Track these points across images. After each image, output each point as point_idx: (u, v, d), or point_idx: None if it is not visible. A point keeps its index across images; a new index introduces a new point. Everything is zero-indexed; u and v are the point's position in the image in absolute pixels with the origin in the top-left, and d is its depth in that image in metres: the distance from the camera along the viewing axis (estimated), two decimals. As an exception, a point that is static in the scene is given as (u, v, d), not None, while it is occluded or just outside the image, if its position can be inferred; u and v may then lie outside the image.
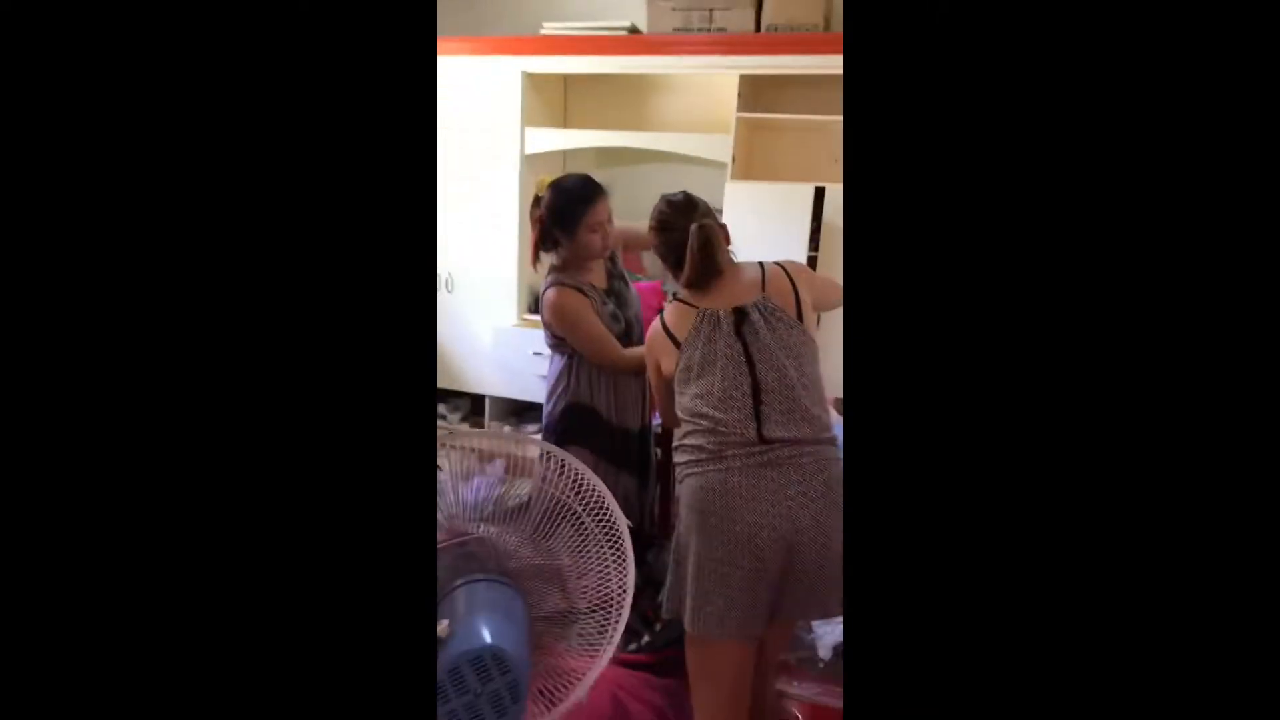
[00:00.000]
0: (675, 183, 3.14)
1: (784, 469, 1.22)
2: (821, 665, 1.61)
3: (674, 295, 1.49)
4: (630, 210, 3.72)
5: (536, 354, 3.19)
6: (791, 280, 1.38)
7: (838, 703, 1.59)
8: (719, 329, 1.32)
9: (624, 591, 0.94)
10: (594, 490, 0.99)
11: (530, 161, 3.17)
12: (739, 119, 2.82)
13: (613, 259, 2.05)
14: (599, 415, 1.99)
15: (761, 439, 1.23)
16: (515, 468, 3.40)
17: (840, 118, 2.89)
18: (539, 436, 3.46)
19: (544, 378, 3.36)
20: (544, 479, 0.91)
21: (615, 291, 2.00)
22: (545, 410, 2.14)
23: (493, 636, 0.74)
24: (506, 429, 3.43)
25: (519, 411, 3.56)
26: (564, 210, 1.85)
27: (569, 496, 0.95)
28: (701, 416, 1.27)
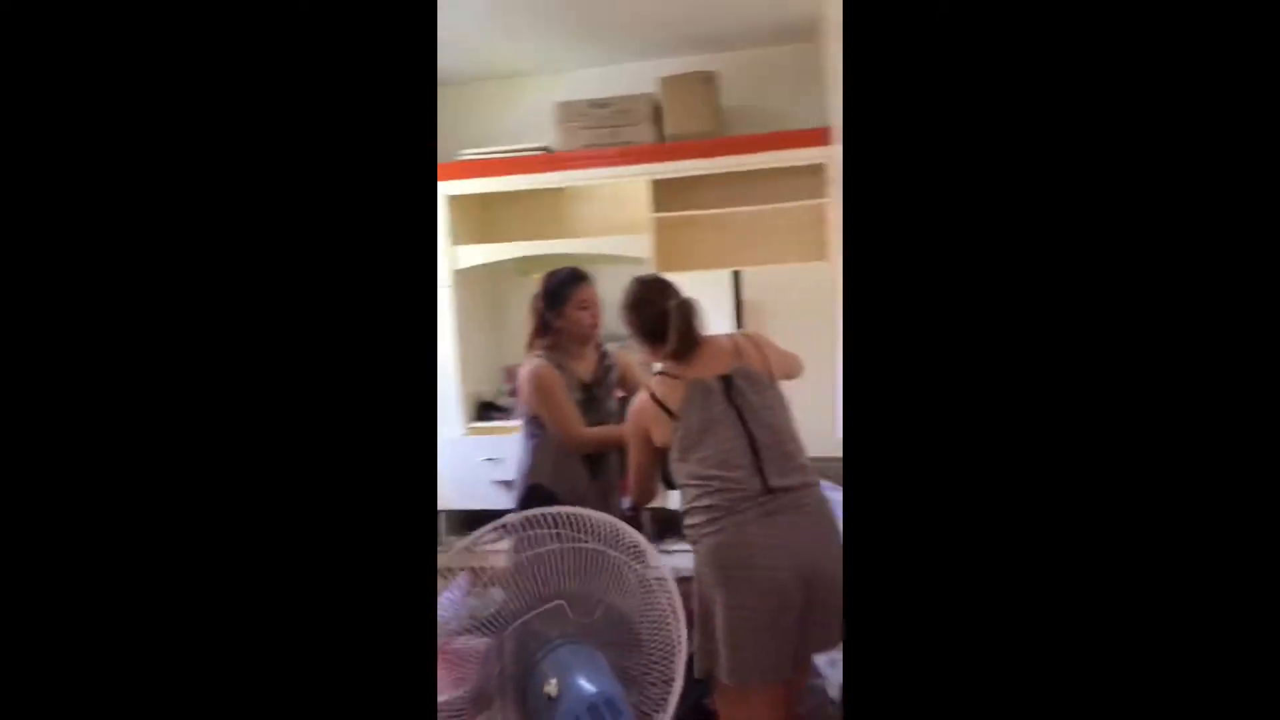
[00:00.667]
0: (600, 284, 3.38)
1: (791, 514, 1.38)
2: (833, 709, 1.71)
3: (655, 370, 1.60)
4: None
5: (489, 459, 3.24)
6: (759, 348, 1.58)
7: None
8: (712, 396, 1.47)
9: (681, 636, 1.03)
10: (629, 538, 1.08)
11: (460, 276, 3.31)
12: (654, 219, 3.10)
13: (608, 371, 2.12)
14: (556, 499, 2.07)
15: (768, 490, 1.39)
16: (480, 578, 3.35)
17: (745, 208, 3.24)
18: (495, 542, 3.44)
19: (497, 483, 3.38)
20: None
21: (593, 394, 2.10)
22: (514, 495, 2.19)
23: (600, 685, 0.83)
24: (463, 541, 3.39)
25: (473, 522, 3.54)
26: (555, 292, 2.02)
27: (606, 548, 1.04)
28: (710, 478, 1.40)
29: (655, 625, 1.04)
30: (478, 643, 2.28)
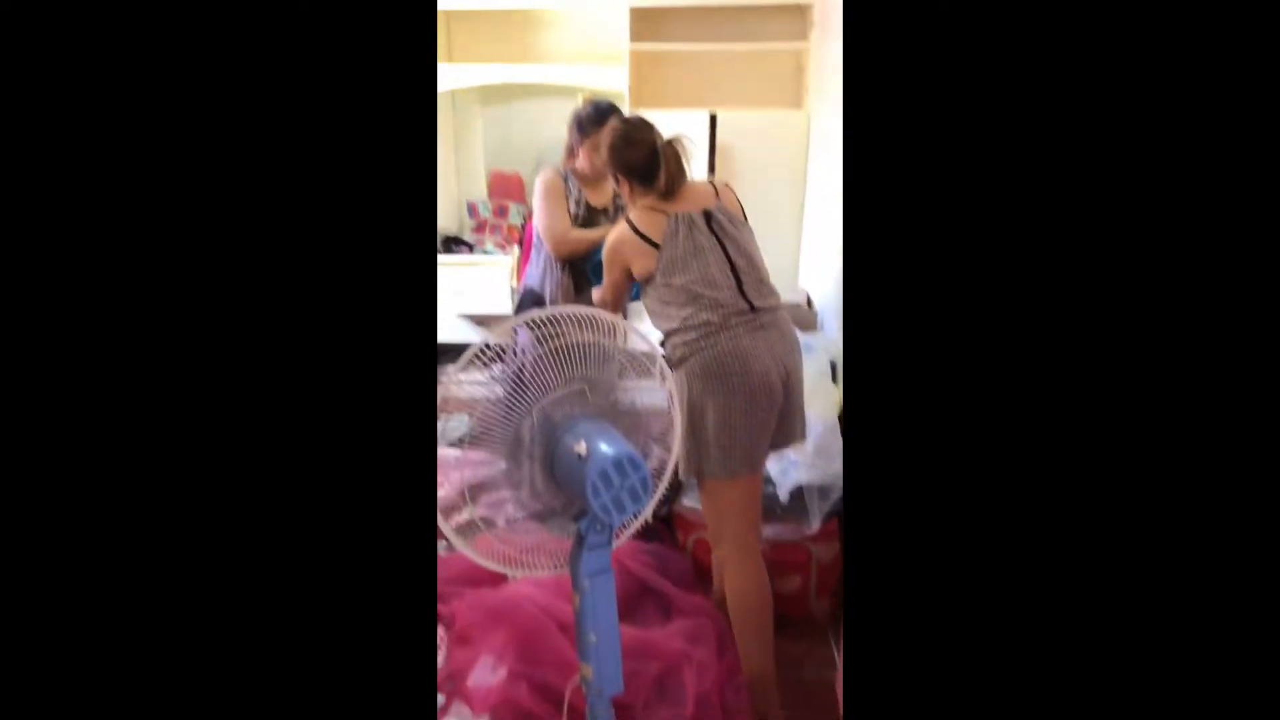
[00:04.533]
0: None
1: (770, 329, 1.57)
2: (781, 510, 1.93)
3: (638, 204, 1.63)
4: (525, 147, 3.76)
5: (457, 293, 3.26)
6: (733, 194, 1.66)
7: (797, 537, 1.93)
8: (695, 227, 1.57)
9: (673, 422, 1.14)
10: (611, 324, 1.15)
11: (423, 101, 3.16)
12: (632, 50, 2.98)
13: (619, 208, 2.13)
14: (544, 302, 2.17)
15: (752, 308, 1.52)
16: (445, 404, 3.46)
17: (728, 45, 3.13)
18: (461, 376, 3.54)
19: (461, 316, 3.42)
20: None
21: (593, 218, 2.13)
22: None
23: (623, 446, 0.94)
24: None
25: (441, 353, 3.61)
26: (581, 123, 2.05)
27: (603, 339, 1.12)
28: (700, 296, 1.53)
29: (656, 411, 1.15)
30: (450, 451, 2.42)
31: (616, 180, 1.68)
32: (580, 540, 1.01)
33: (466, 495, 1.11)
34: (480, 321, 3.05)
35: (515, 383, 1.00)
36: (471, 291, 3.27)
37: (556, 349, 1.04)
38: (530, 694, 1.34)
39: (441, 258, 3.39)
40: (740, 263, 1.57)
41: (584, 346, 1.06)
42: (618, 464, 0.92)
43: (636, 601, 1.81)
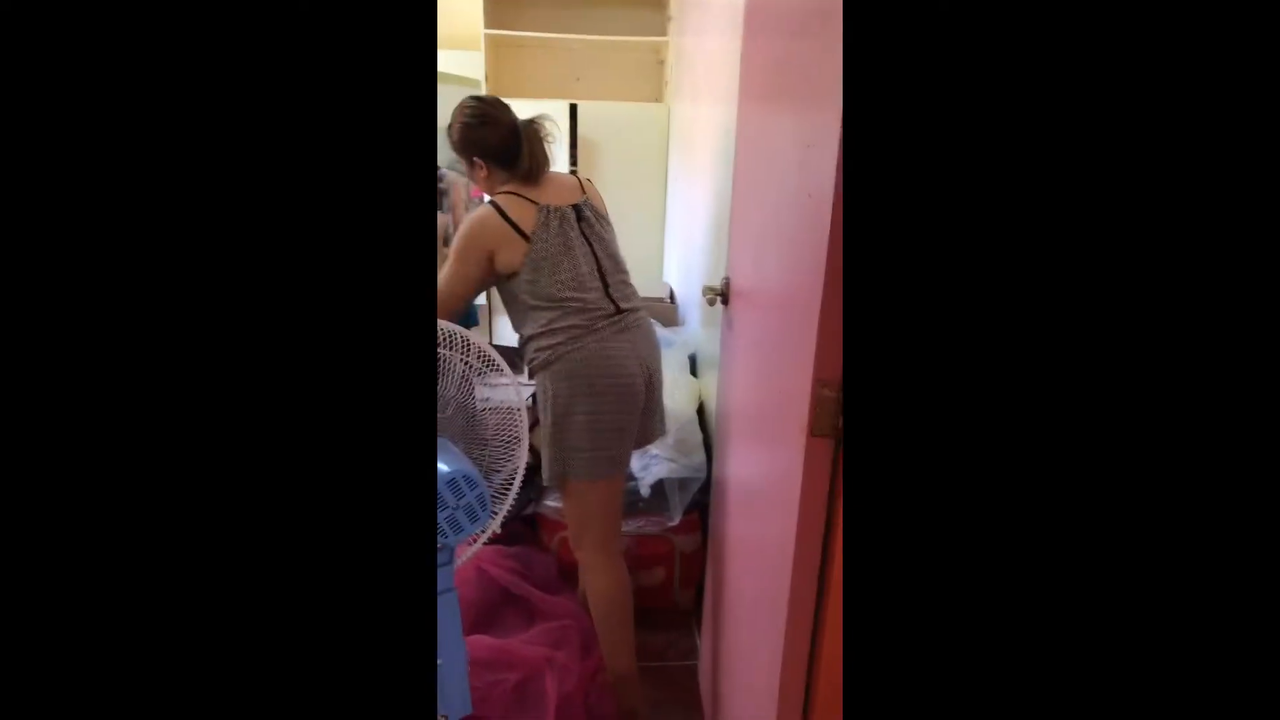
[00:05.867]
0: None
1: (634, 330, 1.55)
2: (643, 504, 1.95)
3: (499, 190, 1.52)
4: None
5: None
6: (594, 187, 1.63)
7: (659, 529, 1.96)
8: (566, 222, 1.50)
9: (523, 428, 1.12)
10: (476, 345, 1.11)
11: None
12: (487, 35, 2.89)
13: (441, 195, 2.02)
14: None
15: (618, 310, 1.52)
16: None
17: (582, 36, 3.09)
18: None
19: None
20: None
21: None
22: None
23: (455, 465, 0.90)
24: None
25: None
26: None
27: (454, 353, 1.08)
28: (568, 300, 1.48)
29: (501, 421, 1.12)
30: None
31: (471, 164, 1.55)
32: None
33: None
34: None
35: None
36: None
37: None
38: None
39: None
40: (607, 264, 1.54)
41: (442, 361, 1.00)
42: (451, 483, 0.88)
43: (499, 609, 1.77)
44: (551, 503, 1.97)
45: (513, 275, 1.48)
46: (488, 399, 1.08)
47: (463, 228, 1.51)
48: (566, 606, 1.75)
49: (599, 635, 1.59)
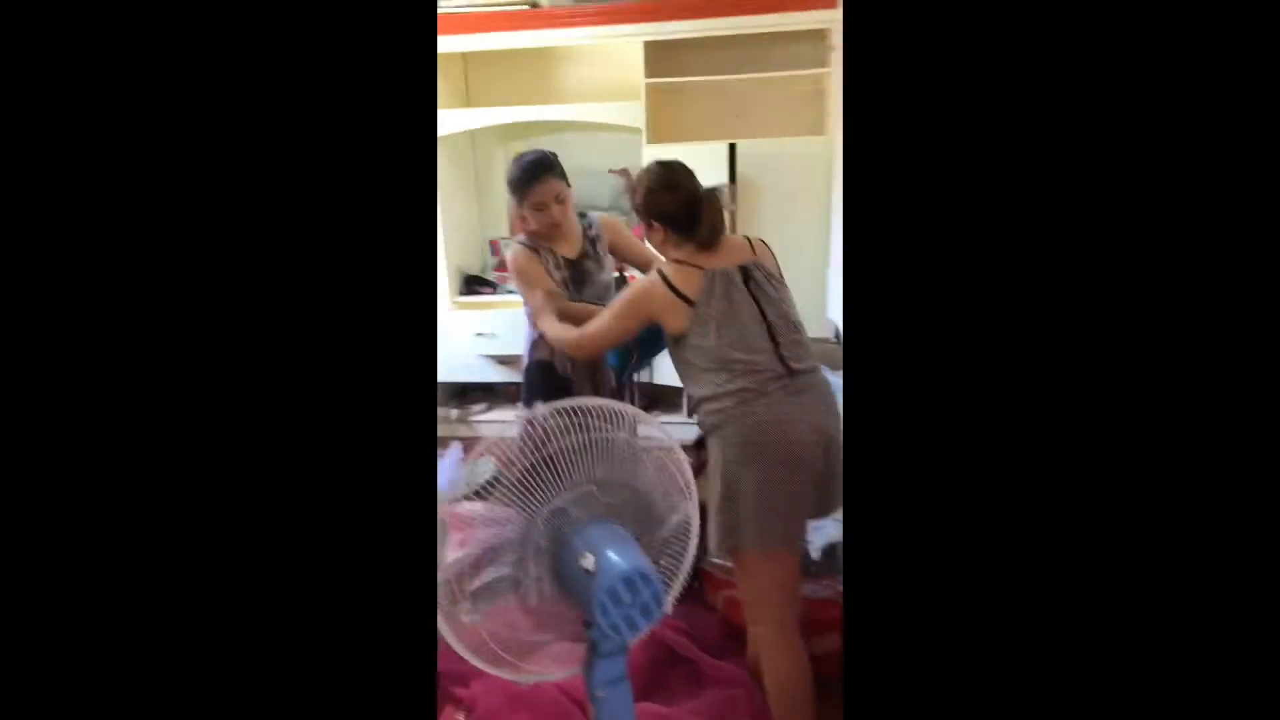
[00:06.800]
0: (589, 152, 3.24)
1: (809, 393, 1.48)
2: (814, 568, 1.85)
3: (671, 255, 1.54)
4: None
5: (478, 335, 3.24)
6: (769, 250, 1.58)
7: (831, 594, 1.85)
8: (733, 284, 1.49)
9: (693, 496, 1.08)
10: (643, 425, 1.11)
11: (440, 144, 3.16)
12: (648, 85, 2.94)
13: (593, 243, 2.04)
14: (559, 375, 2.09)
15: (790, 371, 1.46)
16: (471, 448, 3.44)
17: (742, 75, 3.08)
18: (485, 413, 3.52)
19: (484, 357, 3.40)
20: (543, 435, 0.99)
21: (582, 268, 2.05)
22: (523, 371, 2.21)
23: (632, 559, 0.89)
24: (454, 413, 3.46)
25: (461, 393, 3.60)
26: (515, 184, 1.92)
27: (626, 434, 1.07)
28: (736, 361, 1.44)
29: (670, 504, 1.09)
30: (476, 506, 2.38)
31: (649, 227, 1.57)
32: (593, 648, 0.95)
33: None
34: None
35: (522, 486, 0.95)
36: (495, 331, 3.25)
37: (567, 449, 0.98)
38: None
39: (463, 298, 3.38)
40: (778, 324, 1.49)
41: (602, 444, 1.00)
42: (628, 581, 0.87)
43: (665, 671, 1.74)
44: (717, 560, 1.93)
45: (681, 337, 1.50)
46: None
47: (628, 291, 1.57)
48: (735, 674, 1.69)
49: (775, 717, 1.51)
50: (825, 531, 1.84)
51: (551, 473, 0.94)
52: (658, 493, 1.07)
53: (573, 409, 0.98)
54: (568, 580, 0.94)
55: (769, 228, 2.95)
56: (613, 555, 0.89)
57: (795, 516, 1.46)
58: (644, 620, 0.88)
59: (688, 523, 1.10)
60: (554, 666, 1.02)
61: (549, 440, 0.97)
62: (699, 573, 2.00)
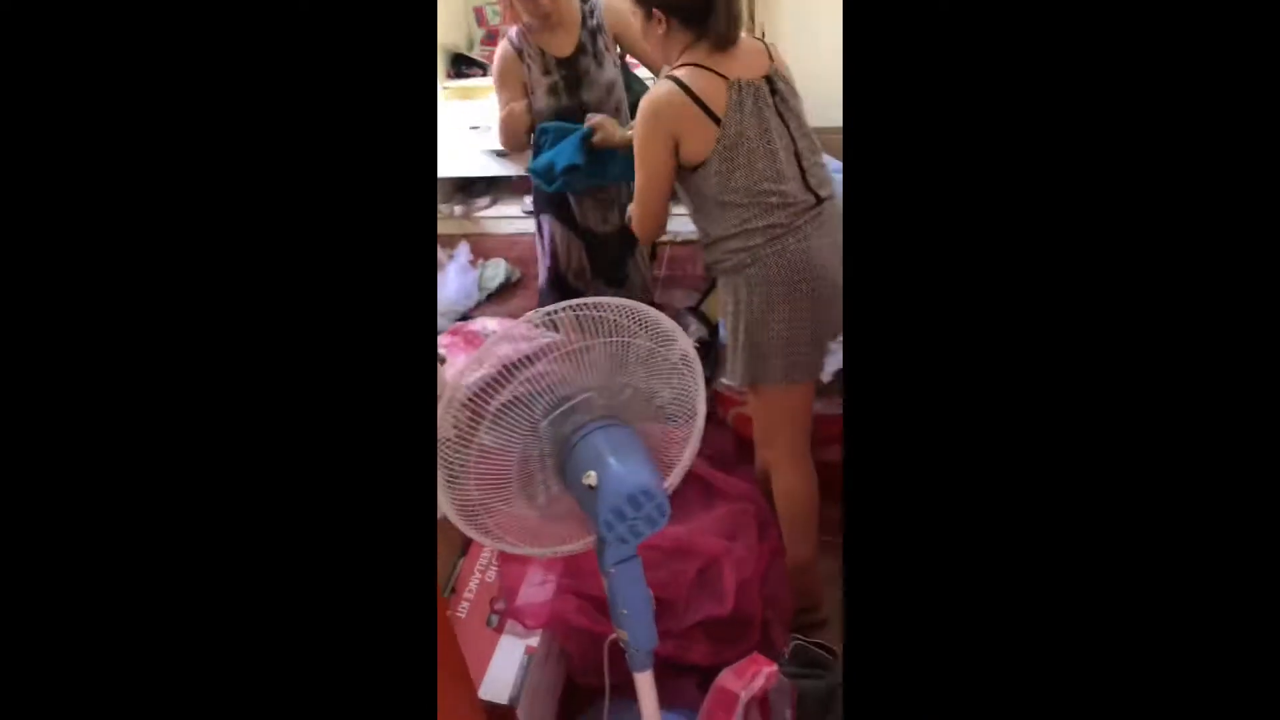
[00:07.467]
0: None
1: (832, 221, 1.34)
2: (822, 388, 1.89)
3: (680, 58, 1.28)
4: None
5: (473, 128, 3.01)
6: (779, 53, 1.35)
7: (838, 410, 1.90)
8: (762, 100, 1.26)
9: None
10: (656, 322, 1.04)
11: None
12: None
13: (594, 35, 1.75)
14: (568, 284, 1.98)
15: (818, 200, 1.33)
16: (479, 249, 3.36)
17: None
18: (489, 208, 3.38)
19: (486, 152, 3.18)
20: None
21: (577, 67, 1.81)
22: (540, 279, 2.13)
23: (637, 476, 0.89)
24: (457, 209, 3.34)
25: (464, 187, 3.44)
26: None
27: (632, 338, 1.01)
28: (767, 193, 1.26)
29: (679, 399, 1.07)
30: (489, 323, 2.37)
31: (648, 18, 1.27)
32: (603, 539, 1.00)
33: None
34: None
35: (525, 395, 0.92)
36: (491, 125, 3.02)
37: (570, 354, 0.93)
38: (578, 609, 1.45)
39: (452, 83, 3.08)
40: (803, 145, 1.31)
41: (619, 347, 0.94)
42: (632, 500, 0.87)
43: (678, 488, 1.86)
44: (726, 380, 1.96)
45: (699, 166, 1.27)
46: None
47: (641, 112, 1.28)
48: (743, 488, 1.80)
49: (782, 527, 1.63)
50: (834, 359, 1.84)
51: (554, 380, 0.91)
52: (662, 387, 1.04)
53: (591, 305, 0.90)
54: (574, 490, 0.95)
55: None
56: (617, 468, 0.89)
57: (820, 349, 1.42)
58: (649, 528, 0.91)
59: (694, 412, 1.09)
60: (569, 542, 1.08)
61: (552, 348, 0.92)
62: (710, 393, 2.05)
